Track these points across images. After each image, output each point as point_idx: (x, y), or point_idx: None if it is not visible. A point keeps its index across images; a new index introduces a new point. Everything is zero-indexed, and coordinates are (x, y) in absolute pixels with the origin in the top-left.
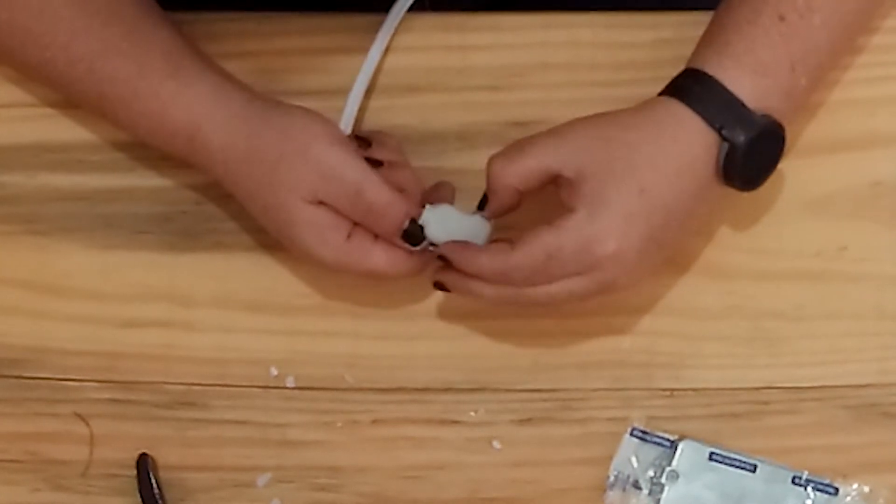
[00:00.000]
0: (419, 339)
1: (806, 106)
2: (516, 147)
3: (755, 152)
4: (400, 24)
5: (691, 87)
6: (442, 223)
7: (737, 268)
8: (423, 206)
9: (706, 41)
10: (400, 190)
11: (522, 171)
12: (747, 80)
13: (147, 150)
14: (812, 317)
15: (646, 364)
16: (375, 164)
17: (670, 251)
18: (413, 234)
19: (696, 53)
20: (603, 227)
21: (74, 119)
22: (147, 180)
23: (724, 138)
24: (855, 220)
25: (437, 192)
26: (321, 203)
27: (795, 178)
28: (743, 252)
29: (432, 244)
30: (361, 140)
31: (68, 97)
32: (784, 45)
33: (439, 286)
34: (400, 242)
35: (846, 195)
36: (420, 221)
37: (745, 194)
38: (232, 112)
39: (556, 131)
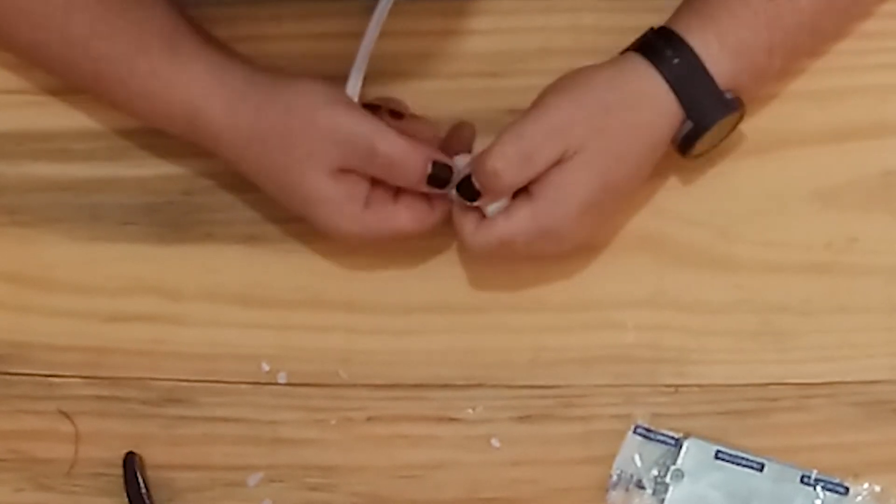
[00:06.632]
0: (415, 334)
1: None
2: (522, 155)
3: (715, 131)
4: (398, 8)
5: (671, 60)
6: None
7: (743, 260)
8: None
9: (692, 6)
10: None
11: (532, 175)
12: (726, 61)
13: (133, 138)
14: (821, 311)
15: (650, 360)
16: (396, 115)
17: None
18: (439, 177)
19: (679, 16)
20: (559, 219)
21: (58, 107)
22: (133, 170)
23: (690, 118)
24: (865, 211)
25: (458, 133)
26: (337, 174)
27: (804, 168)
28: (750, 244)
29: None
30: (369, 107)
31: (64, 79)
32: (767, 27)
33: None
34: (426, 188)
35: (856, 186)
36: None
37: (754, 186)
38: (232, 92)
39: (560, 130)
